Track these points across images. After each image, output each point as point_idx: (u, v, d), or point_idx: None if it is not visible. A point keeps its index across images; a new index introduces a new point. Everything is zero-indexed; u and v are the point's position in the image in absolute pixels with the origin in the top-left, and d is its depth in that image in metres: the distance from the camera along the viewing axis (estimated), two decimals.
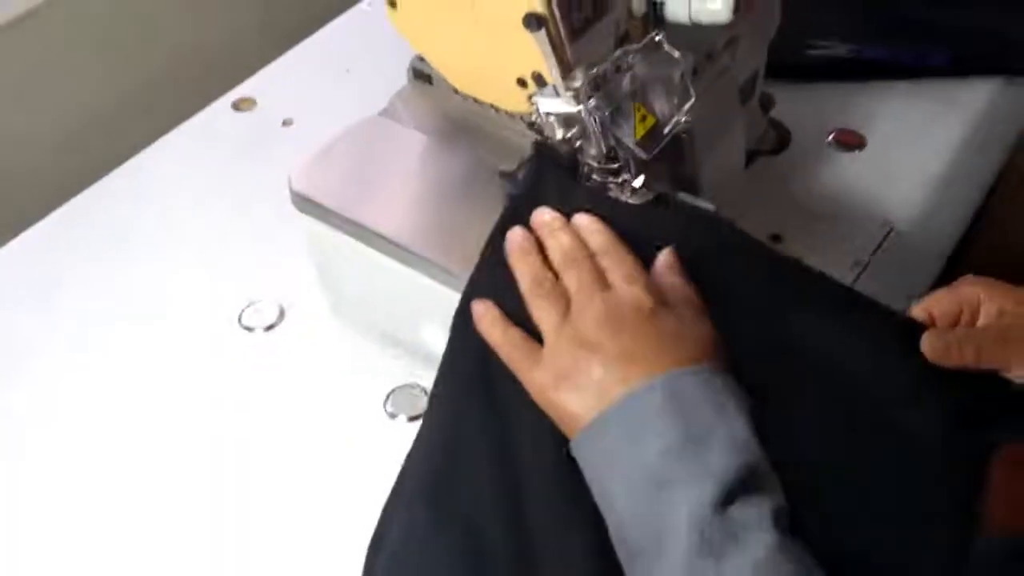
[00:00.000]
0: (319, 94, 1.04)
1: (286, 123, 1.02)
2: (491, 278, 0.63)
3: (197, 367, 0.79)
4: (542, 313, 0.59)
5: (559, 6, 0.59)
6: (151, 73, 1.12)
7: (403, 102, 0.79)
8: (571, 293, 0.60)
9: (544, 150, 0.68)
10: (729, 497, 0.50)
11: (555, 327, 0.59)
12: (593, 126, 0.64)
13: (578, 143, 0.67)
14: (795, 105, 0.94)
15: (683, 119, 0.66)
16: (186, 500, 0.71)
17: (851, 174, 0.90)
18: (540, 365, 0.58)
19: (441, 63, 0.70)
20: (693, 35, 0.68)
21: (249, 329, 0.81)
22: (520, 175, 0.70)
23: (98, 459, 0.73)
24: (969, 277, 0.63)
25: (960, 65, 0.97)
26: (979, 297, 0.61)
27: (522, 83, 0.64)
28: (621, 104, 0.63)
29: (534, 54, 0.61)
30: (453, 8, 0.63)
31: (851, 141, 0.92)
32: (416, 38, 0.68)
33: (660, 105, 0.65)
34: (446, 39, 0.66)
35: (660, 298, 0.59)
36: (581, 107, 0.62)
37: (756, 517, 0.50)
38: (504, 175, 0.72)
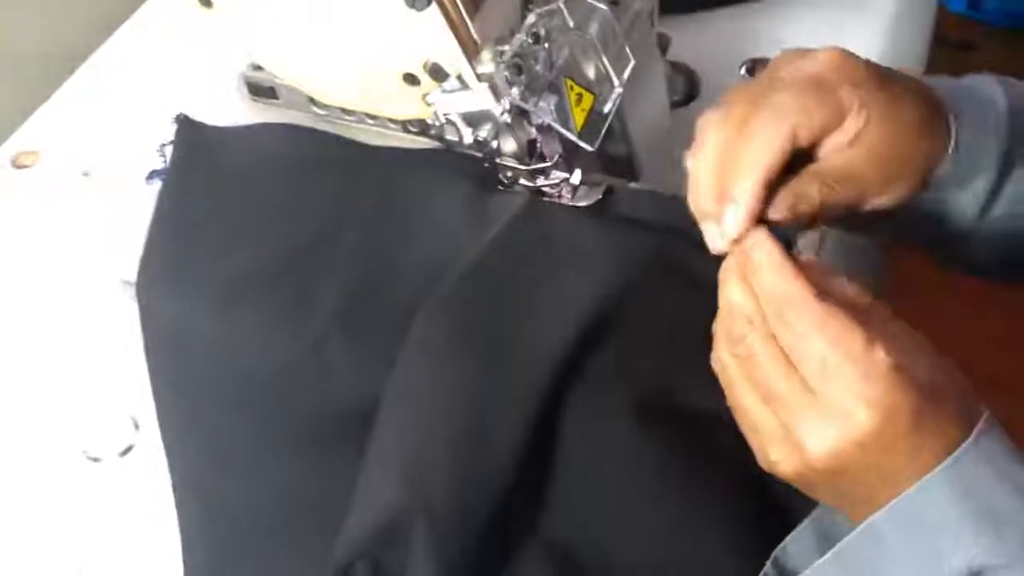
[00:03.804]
0: (111, 130, 0.83)
1: (86, 174, 0.81)
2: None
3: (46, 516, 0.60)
4: None
5: None
6: None
7: None
8: None
9: (188, 122, 0.62)
10: None
11: None
12: (512, 119, 0.49)
13: (493, 143, 0.51)
14: (692, 42, 0.80)
15: (621, 90, 0.51)
16: None
17: None
18: None
19: (291, 72, 0.51)
20: None
21: (96, 460, 0.62)
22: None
23: None
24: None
25: None
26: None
27: (411, 80, 0.47)
28: (550, 86, 0.47)
29: (423, 39, 0.44)
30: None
31: None
32: (249, 44, 0.50)
33: (593, 76, 0.50)
34: (294, 40, 0.48)
35: None
36: (503, 100, 0.46)
37: None
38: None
